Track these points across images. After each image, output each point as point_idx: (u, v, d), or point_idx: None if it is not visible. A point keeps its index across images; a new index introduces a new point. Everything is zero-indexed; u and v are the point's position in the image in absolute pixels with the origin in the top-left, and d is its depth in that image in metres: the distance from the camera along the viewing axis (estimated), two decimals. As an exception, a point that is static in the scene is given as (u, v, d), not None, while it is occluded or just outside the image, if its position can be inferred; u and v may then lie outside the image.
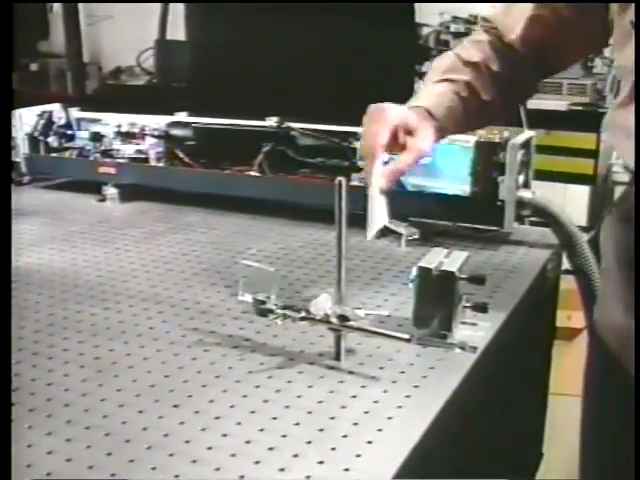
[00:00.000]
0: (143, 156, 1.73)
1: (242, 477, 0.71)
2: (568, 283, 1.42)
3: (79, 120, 1.84)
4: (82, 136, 1.82)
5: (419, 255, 1.04)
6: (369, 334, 0.93)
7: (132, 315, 1.09)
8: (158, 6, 3.64)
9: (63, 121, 1.84)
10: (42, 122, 1.83)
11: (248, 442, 0.77)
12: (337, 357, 0.94)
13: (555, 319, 1.52)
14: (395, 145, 0.97)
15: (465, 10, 3.31)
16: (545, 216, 1.37)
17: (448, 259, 0.97)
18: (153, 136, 1.73)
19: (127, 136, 1.76)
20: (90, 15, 4.35)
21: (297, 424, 0.80)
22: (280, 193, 1.55)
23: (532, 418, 1.49)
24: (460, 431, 0.89)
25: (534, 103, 2.94)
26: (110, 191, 1.70)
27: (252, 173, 1.60)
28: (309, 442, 0.77)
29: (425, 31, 3.37)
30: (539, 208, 1.37)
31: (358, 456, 0.74)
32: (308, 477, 0.71)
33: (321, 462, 0.73)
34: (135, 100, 2.96)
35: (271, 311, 0.95)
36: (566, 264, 1.38)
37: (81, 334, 1.02)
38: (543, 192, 1.40)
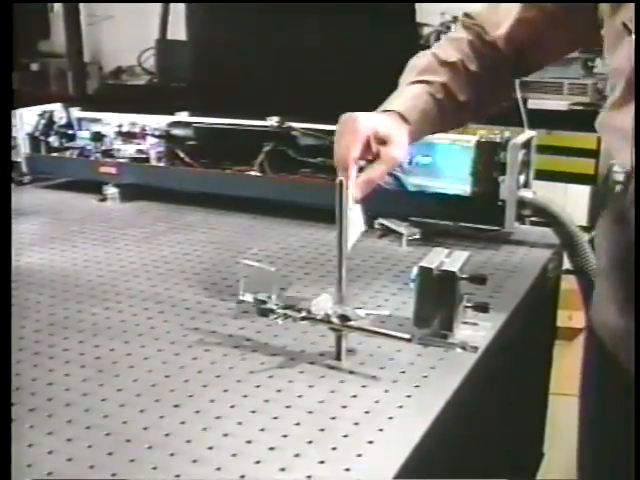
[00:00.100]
0: (144, 156, 1.73)
1: (243, 477, 0.71)
2: (569, 283, 1.42)
3: (80, 120, 1.84)
4: (83, 136, 1.82)
5: (420, 255, 1.05)
6: (370, 334, 0.93)
7: (133, 315, 1.09)
8: (159, 6, 3.64)
9: (64, 121, 1.84)
10: (43, 122, 1.83)
11: (249, 442, 0.77)
12: (338, 357, 0.94)
13: (556, 319, 1.52)
14: (369, 153, 0.96)
15: (466, 10, 3.30)
16: (546, 216, 1.37)
17: (449, 259, 0.97)
18: (154, 136, 1.73)
19: (128, 136, 1.76)
20: (91, 15, 4.35)
21: (298, 424, 0.80)
22: (281, 193, 1.55)
23: (533, 418, 1.49)
24: (461, 431, 0.89)
25: (535, 103, 2.96)
26: (111, 191, 1.70)
27: (253, 173, 1.59)
28: (310, 442, 0.77)
29: (426, 31, 3.36)
30: (540, 208, 1.37)
31: (359, 456, 0.74)
32: (309, 477, 0.71)
33: (322, 462, 0.73)
34: (136, 100, 2.96)
35: (272, 311, 0.95)
36: (567, 264, 1.38)
37: (82, 334, 1.02)
38: (544, 192, 1.40)
